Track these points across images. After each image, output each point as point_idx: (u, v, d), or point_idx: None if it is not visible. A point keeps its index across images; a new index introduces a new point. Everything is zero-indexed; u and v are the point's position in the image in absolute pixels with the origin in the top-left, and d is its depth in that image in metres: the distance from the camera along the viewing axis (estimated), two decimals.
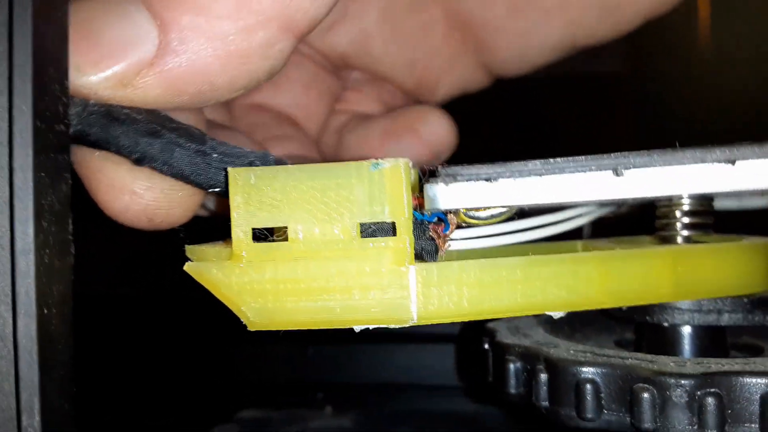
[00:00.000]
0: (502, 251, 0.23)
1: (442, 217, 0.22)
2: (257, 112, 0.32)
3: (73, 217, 0.20)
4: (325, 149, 0.33)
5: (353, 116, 0.33)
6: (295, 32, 0.20)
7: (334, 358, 0.46)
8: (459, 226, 0.22)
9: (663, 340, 0.24)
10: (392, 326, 0.20)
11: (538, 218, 0.23)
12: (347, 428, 0.41)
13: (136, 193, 0.21)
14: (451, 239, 0.22)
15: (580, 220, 0.24)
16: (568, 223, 0.24)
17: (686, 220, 0.23)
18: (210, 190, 0.21)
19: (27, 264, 0.18)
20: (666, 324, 0.23)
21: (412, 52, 0.32)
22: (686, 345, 0.23)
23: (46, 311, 0.19)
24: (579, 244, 0.27)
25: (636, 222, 0.28)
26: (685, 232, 0.23)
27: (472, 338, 0.28)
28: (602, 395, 0.20)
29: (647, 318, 0.23)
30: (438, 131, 0.31)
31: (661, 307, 0.23)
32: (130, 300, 0.50)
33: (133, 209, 0.21)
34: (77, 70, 0.20)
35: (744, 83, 0.50)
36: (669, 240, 0.24)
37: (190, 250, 0.21)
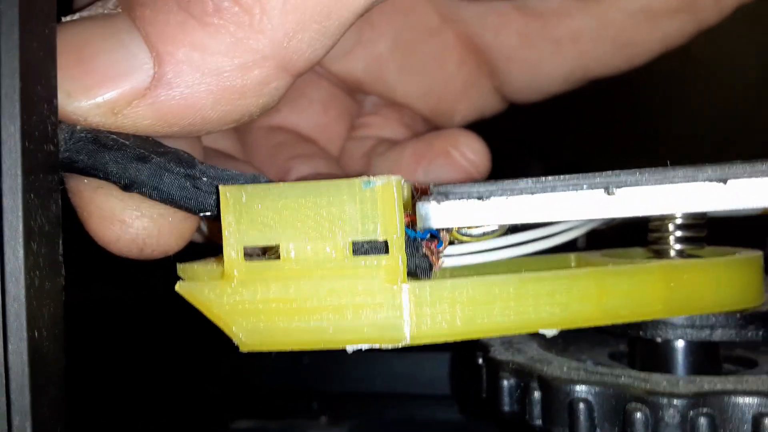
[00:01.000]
0: (495, 267, 0.23)
1: (435, 234, 0.22)
2: (278, 133, 0.32)
3: (62, 236, 0.20)
4: (352, 173, 0.33)
5: (379, 141, 0.33)
6: (291, 72, 0.20)
7: (329, 367, 0.46)
8: (452, 243, 0.22)
9: (656, 355, 0.24)
10: (385, 346, 0.20)
11: (530, 232, 0.23)
12: None
13: (126, 222, 0.21)
14: (445, 255, 0.22)
15: (573, 233, 0.24)
16: (560, 237, 0.24)
17: (679, 234, 0.23)
18: (201, 214, 0.21)
19: (17, 286, 0.18)
20: (659, 339, 0.23)
21: (427, 79, 0.33)
22: (679, 360, 0.23)
23: (36, 334, 0.19)
24: (572, 257, 0.27)
25: (630, 233, 0.28)
26: (678, 246, 0.23)
27: (467, 347, 0.28)
28: (595, 414, 0.20)
29: (640, 333, 0.23)
30: (471, 155, 0.30)
31: (654, 323, 0.23)
32: (124, 307, 0.50)
33: (123, 239, 0.21)
34: (68, 96, 0.20)
35: (740, 83, 0.50)
36: (662, 253, 0.24)
37: (181, 269, 0.21)
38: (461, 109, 0.34)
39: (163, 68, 0.19)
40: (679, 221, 0.23)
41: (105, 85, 0.19)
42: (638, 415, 0.19)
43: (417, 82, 0.33)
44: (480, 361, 0.25)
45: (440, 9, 0.31)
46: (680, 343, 0.23)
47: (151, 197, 0.21)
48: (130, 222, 0.21)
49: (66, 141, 0.20)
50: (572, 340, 0.28)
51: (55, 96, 0.20)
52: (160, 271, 0.22)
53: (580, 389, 0.20)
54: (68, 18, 0.21)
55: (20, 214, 0.18)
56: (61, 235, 0.20)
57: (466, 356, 0.28)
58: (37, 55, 0.19)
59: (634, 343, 0.25)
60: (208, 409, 0.46)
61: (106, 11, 0.20)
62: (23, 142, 0.18)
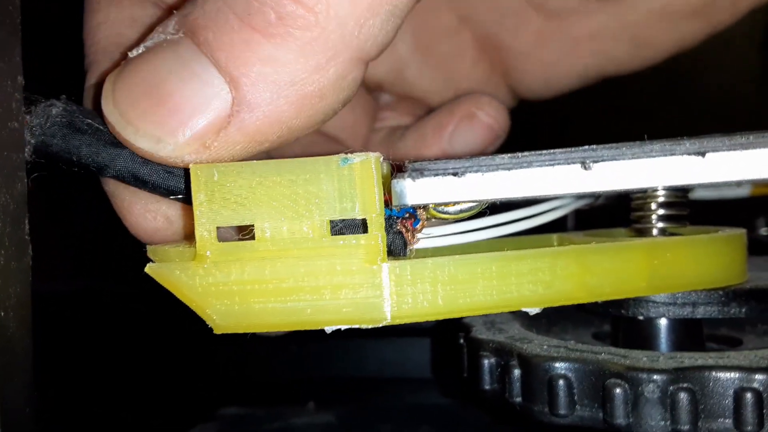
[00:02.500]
0: (476, 247, 0.23)
1: (412, 212, 0.21)
2: (307, 135, 0.33)
3: (30, 217, 0.19)
4: None
5: (394, 128, 0.34)
6: (365, 59, 0.20)
7: (315, 354, 0.46)
8: (428, 220, 0.22)
9: (638, 334, 0.23)
10: (365, 326, 0.19)
11: (512, 213, 0.23)
12: (330, 424, 0.41)
13: (169, 219, 0.22)
14: (425, 236, 0.22)
15: (555, 213, 0.24)
16: (542, 217, 0.23)
17: (661, 212, 0.23)
18: (172, 197, 0.21)
19: None
20: (641, 317, 0.23)
21: (443, 77, 0.33)
22: (662, 338, 0.23)
23: (2, 314, 0.18)
24: (554, 237, 0.26)
25: (613, 214, 0.27)
26: (660, 224, 0.23)
27: (449, 332, 0.28)
28: (575, 391, 0.20)
29: (622, 312, 0.23)
30: (494, 113, 0.31)
31: (636, 301, 0.23)
32: (110, 296, 0.49)
33: (162, 233, 0.22)
34: (158, 142, 0.19)
35: (737, 73, 0.50)
36: (644, 232, 0.23)
37: (151, 250, 0.21)
38: None
39: (240, 91, 0.19)
40: (661, 199, 0.23)
41: (190, 122, 0.19)
42: (618, 390, 0.19)
43: (434, 80, 0.33)
44: (461, 341, 0.24)
45: (459, 10, 0.32)
46: (663, 321, 0.23)
47: (125, 182, 0.21)
48: (174, 220, 0.22)
49: (41, 125, 0.20)
50: (556, 321, 0.27)
51: (20, 72, 0.19)
52: (143, 262, 0.22)
53: (560, 366, 0.20)
54: (134, 52, 0.20)
55: None
56: (27, 215, 0.19)
57: (447, 338, 0.27)
58: (1, 33, 0.19)
59: (617, 322, 0.25)
60: (196, 396, 0.45)
61: (168, 37, 0.20)
62: None
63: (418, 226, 0.21)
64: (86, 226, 0.51)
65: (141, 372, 0.46)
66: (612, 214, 0.28)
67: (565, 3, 0.30)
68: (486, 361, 0.22)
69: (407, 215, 0.21)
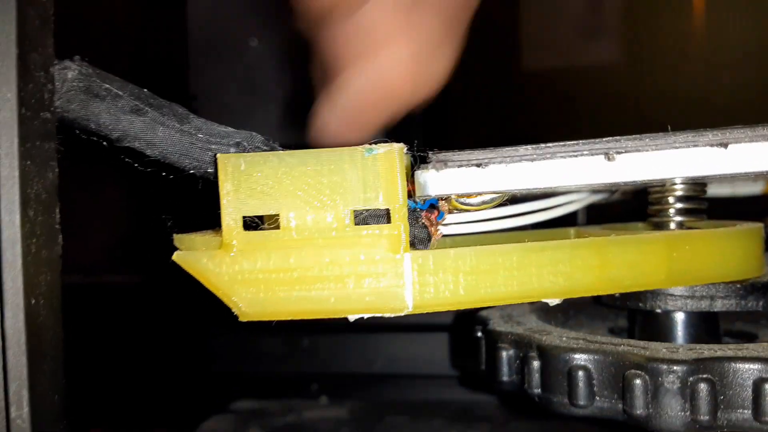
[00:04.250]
0: (495, 238, 0.23)
1: (435, 204, 0.21)
2: None
3: (60, 206, 0.20)
4: None
5: None
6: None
7: (328, 349, 0.46)
8: (450, 212, 0.22)
9: (656, 327, 0.24)
10: (388, 315, 0.19)
11: (530, 204, 0.23)
12: (342, 418, 0.41)
13: None
14: (444, 224, 0.22)
15: (573, 206, 0.24)
16: (560, 209, 0.24)
17: (679, 205, 0.23)
18: (194, 172, 0.21)
19: (14, 254, 0.18)
20: (659, 310, 0.23)
21: None
22: (679, 331, 0.23)
23: (33, 302, 0.19)
24: (572, 230, 0.27)
25: (629, 209, 0.28)
26: (678, 218, 0.23)
27: (465, 327, 0.28)
28: (594, 382, 0.20)
29: (640, 305, 0.23)
30: None
31: (654, 294, 0.23)
32: (124, 289, 0.50)
33: None
34: None
35: (738, 74, 0.50)
36: (662, 226, 0.24)
37: (178, 239, 0.21)
38: None
39: None
40: (679, 193, 0.23)
41: None
42: (638, 381, 0.19)
43: None
44: (479, 334, 0.25)
45: None
46: (680, 315, 0.23)
47: (143, 152, 0.20)
48: None
49: (58, 90, 0.19)
50: (572, 315, 0.28)
51: (52, 63, 0.20)
52: (158, 256, 0.22)
53: (579, 357, 0.20)
54: None
55: (17, 181, 0.18)
56: (59, 204, 0.19)
57: (464, 336, 0.28)
58: (34, 23, 0.19)
59: (634, 315, 0.25)
60: (209, 390, 0.46)
61: None
62: (20, 109, 0.18)
63: (441, 220, 0.21)
64: (106, 218, 0.51)
65: (156, 366, 0.47)
66: (625, 210, 0.28)
67: None
68: (505, 353, 0.22)
69: (429, 207, 0.22)
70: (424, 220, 0.22)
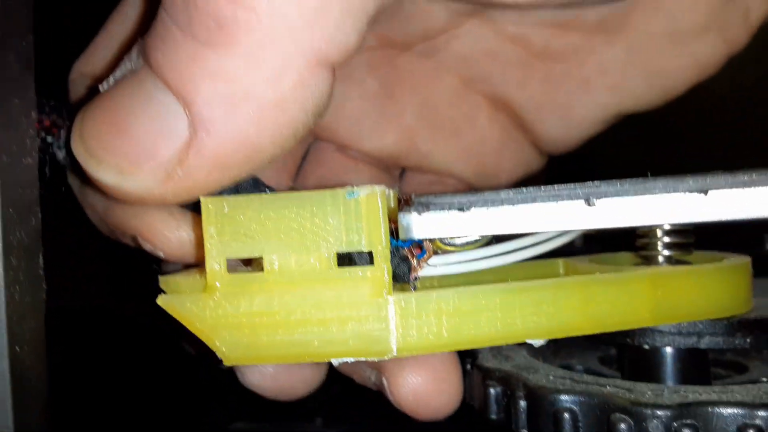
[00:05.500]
0: (481, 275, 0.23)
1: (419, 243, 0.21)
2: None
3: (44, 252, 0.20)
4: None
5: None
6: (326, 63, 0.18)
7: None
8: (436, 253, 0.22)
9: (644, 362, 0.23)
10: (371, 359, 0.19)
11: (515, 241, 0.23)
12: None
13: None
14: (429, 265, 0.22)
15: (558, 241, 0.24)
16: (545, 245, 0.24)
17: (667, 239, 0.23)
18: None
19: None
20: (646, 346, 0.23)
21: (461, 141, 0.32)
22: (667, 367, 0.23)
23: (18, 349, 0.19)
24: (560, 263, 0.27)
25: (619, 235, 0.27)
26: (666, 252, 0.23)
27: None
28: (580, 424, 0.20)
29: (627, 340, 0.23)
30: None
31: (642, 330, 0.23)
32: (118, 313, 0.50)
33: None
34: (120, 173, 0.18)
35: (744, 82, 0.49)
36: (650, 259, 0.23)
37: (163, 281, 0.21)
38: (505, 168, 0.32)
39: (194, 112, 0.18)
40: (667, 227, 0.23)
41: (151, 151, 0.18)
42: (622, 426, 0.19)
43: (452, 147, 0.32)
44: (468, 367, 0.25)
45: (459, 72, 0.30)
46: (668, 350, 0.23)
47: None
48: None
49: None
50: (562, 345, 0.27)
51: (33, 109, 0.20)
52: (154, 275, 0.22)
53: (565, 399, 0.20)
54: (104, 85, 0.20)
55: None
56: (42, 249, 0.20)
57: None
58: (14, 69, 0.19)
59: (623, 350, 0.25)
60: (207, 410, 0.46)
61: (132, 65, 0.19)
62: (0, 156, 0.18)
63: (424, 257, 0.21)
64: (95, 243, 0.51)
65: (152, 388, 0.46)
66: (618, 236, 0.28)
67: (567, 43, 0.29)
68: (492, 391, 0.22)
69: (414, 245, 0.22)
70: (405, 252, 0.22)
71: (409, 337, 0.19)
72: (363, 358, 0.20)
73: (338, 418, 0.43)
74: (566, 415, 0.20)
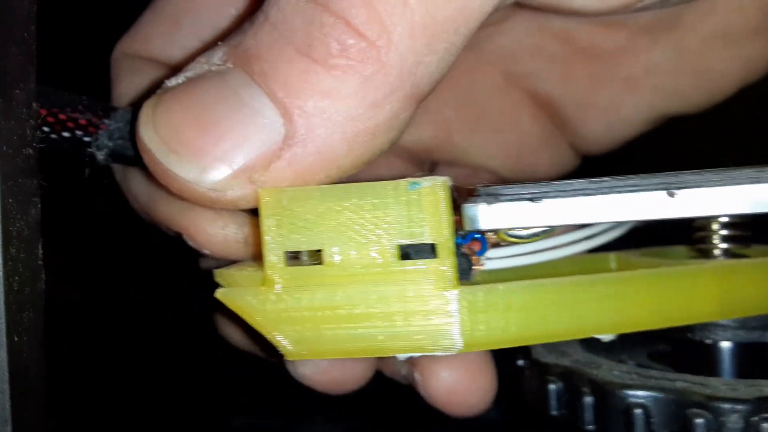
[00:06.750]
0: (535, 269, 0.23)
1: (477, 238, 0.21)
2: None
3: (43, 242, 0.19)
4: None
5: None
6: (418, 98, 0.19)
7: None
8: (497, 245, 0.21)
9: (704, 357, 0.23)
10: (438, 354, 0.19)
11: (568, 235, 0.23)
12: None
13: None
14: (487, 258, 0.22)
15: (613, 233, 0.24)
16: (603, 236, 0.23)
17: (726, 232, 0.23)
18: None
19: None
20: (708, 341, 0.22)
21: (500, 138, 0.31)
22: (728, 362, 0.23)
23: (16, 339, 0.18)
24: (612, 257, 0.26)
25: (664, 230, 0.27)
26: (725, 245, 0.23)
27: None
28: (653, 420, 0.19)
29: (688, 335, 0.23)
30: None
31: (704, 325, 0.22)
32: (119, 306, 0.49)
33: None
34: (201, 172, 0.18)
35: None
36: (707, 253, 0.23)
37: (219, 274, 0.21)
38: (541, 167, 0.32)
39: (294, 124, 0.18)
40: (725, 220, 0.22)
41: (238, 152, 0.18)
42: (700, 421, 0.18)
43: (490, 142, 0.31)
44: (521, 363, 0.24)
45: (502, 66, 0.29)
46: (730, 345, 0.23)
47: None
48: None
49: (120, 129, 0.20)
50: (613, 341, 0.27)
51: (34, 98, 0.19)
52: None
53: (636, 394, 0.20)
54: (173, 81, 0.19)
55: None
56: (41, 240, 0.19)
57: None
58: (16, 59, 0.18)
59: (680, 345, 0.24)
60: (207, 406, 0.45)
61: (213, 68, 0.19)
62: (1, 147, 0.18)
63: (484, 254, 0.21)
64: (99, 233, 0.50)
65: (151, 383, 0.46)
66: (658, 231, 0.27)
67: (614, 42, 0.28)
68: (553, 387, 0.22)
69: (473, 240, 0.21)
70: (464, 249, 0.21)
71: (476, 331, 0.19)
72: (429, 353, 0.19)
73: (338, 417, 0.43)
74: (639, 410, 0.19)
